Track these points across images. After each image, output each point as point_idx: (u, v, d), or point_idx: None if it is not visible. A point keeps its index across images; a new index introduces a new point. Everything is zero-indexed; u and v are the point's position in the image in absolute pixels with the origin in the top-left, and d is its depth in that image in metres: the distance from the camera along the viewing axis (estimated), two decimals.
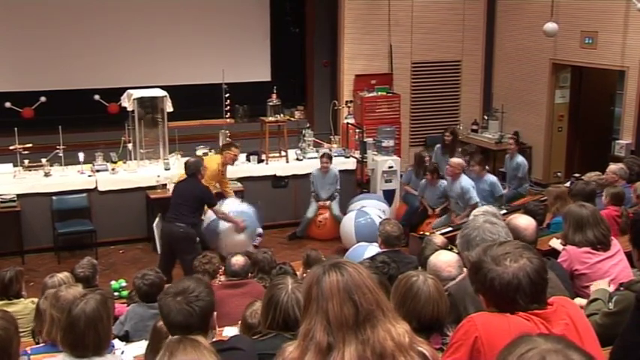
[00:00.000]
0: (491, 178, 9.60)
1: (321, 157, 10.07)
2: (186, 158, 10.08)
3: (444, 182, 9.75)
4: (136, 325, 5.04)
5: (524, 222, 4.32)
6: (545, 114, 11.84)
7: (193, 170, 8.13)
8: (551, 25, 10.56)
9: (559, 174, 11.79)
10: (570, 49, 11.22)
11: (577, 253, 4.76)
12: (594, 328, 2.78)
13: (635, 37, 10.14)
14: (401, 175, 10.71)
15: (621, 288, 3.84)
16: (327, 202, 10.01)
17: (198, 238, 8.15)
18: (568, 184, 8.15)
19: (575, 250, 4.78)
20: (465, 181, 9.13)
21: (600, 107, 11.68)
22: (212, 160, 9.18)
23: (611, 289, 4.07)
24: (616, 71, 10.80)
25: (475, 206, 8.79)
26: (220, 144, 10.36)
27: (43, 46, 10.82)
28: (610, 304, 3.81)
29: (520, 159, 10.33)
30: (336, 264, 2.37)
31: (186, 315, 2.84)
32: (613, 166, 7.76)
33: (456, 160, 9.31)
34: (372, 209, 9.55)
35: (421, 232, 8.23)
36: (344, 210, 9.96)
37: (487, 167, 9.96)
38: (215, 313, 2.99)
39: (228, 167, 9.41)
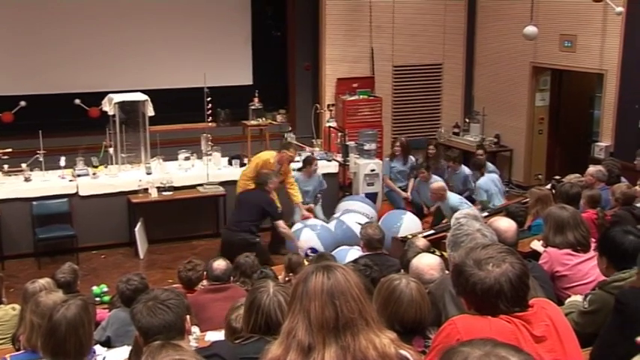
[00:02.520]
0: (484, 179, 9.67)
1: (311, 161, 9.95)
2: (168, 162, 10.13)
3: (437, 178, 9.81)
4: (118, 331, 5.00)
5: (505, 224, 4.36)
6: (525, 117, 11.92)
7: (262, 181, 8.42)
8: (531, 29, 10.64)
9: (540, 176, 11.87)
10: (550, 52, 11.31)
11: (557, 254, 4.80)
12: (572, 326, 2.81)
13: (614, 41, 10.24)
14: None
15: (596, 288, 3.88)
16: (311, 206, 9.99)
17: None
18: (549, 186, 8.21)
19: (556, 251, 4.82)
20: (453, 200, 8.99)
21: (580, 110, 11.79)
22: (266, 154, 9.19)
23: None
24: (595, 74, 10.90)
25: None
26: (202, 148, 10.35)
27: (23, 51, 10.74)
28: (585, 302, 3.85)
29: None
30: (327, 266, 2.38)
31: (162, 314, 2.83)
32: (592, 169, 7.82)
33: (436, 185, 9.17)
34: (351, 216, 9.35)
35: (403, 235, 8.23)
36: (328, 213, 9.96)
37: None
38: (188, 316, 2.98)
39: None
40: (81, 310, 3.21)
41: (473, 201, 9.46)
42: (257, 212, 8.20)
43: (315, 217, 9.93)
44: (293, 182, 9.37)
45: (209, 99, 10.05)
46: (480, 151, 10.82)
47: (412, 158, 10.64)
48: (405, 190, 10.46)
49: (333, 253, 7.84)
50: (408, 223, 9.10)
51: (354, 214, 9.41)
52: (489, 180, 9.62)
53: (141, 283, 5.29)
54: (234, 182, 10.08)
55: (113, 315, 5.20)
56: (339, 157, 10.98)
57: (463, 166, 10.25)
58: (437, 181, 9.45)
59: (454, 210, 8.91)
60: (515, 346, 1.79)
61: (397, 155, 10.51)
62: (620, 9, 9.69)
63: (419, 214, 9.92)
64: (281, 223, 8.43)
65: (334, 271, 2.35)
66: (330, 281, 2.31)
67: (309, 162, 9.91)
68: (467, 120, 12.81)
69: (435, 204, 9.63)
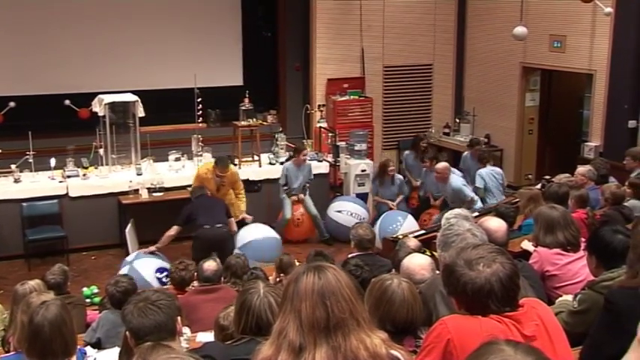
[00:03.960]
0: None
1: (301, 150, 10.01)
2: (158, 163, 10.11)
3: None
4: (109, 332, 4.99)
5: (495, 224, 4.37)
6: (515, 117, 11.95)
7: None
8: (520, 29, 10.67)
9: (530, 176, 11.91)
10: (540, 52, 11.35)
11: (548, 254, 4.81)
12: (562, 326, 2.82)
13: (603, 41, 10.29)
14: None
15: (585, 288, 3.90)
16: (300, 196, 9.99)
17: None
18: (539, 186, 8.24)
19: (546, 251, 4.83)
20: (455, 181, 9.15)
21: (569, 110, 11.83)
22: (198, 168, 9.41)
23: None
24: (584, 74, 10.95)
25: (471, 202, 8.91)
26: (193, 148, 10.33)
27: (13, 52, 10.69)
28: (574, 302, 3.87)
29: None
30: (318, 267, 2.39)
31: (154, 315, 2.83)
32: (581, 169, 7.86)
33: (441, 165, 9.29)
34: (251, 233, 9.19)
35: (394, 236, 8.26)
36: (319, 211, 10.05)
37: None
38: (179, 317, 2.98)
39: None
40: (60, 309, 3.20)
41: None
42: (225, 211, 8.54)
43: (305, 208, 9.95)
44: (243, 194, 9.39)
45: (199, 100, 10.04)
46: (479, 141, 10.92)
47: (399, 177, 10.50)
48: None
49: None
50: (408, 226, 9.27)
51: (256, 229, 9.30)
52: (490, 172, 9.72)
53: (130, 284, 5.28)
54: None
55: (103, 317, 5.19)
56: (330, 158, 10.99)
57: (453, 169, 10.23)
58: (442, 162, 9.53)
59: (455, 191, 9.03)
60: None
61: (387, 177, 10.27)
62: (609, 9, 9.73)
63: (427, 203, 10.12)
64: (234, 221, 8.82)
65: (325, 272, 2.35)
66: (321, 281, 2.32)
67: (298, 151, 9.96)
68: (457, 120, 12.84)
69: (440, 195, 9.76)
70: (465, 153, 10.81)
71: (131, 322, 2.85)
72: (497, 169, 10.02)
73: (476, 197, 9.19)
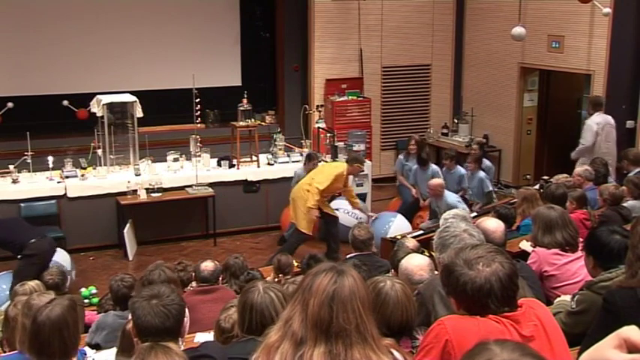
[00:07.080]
0: (480, 174, 9.75)
1: (312, 159, 10.00)
2: (157, 164, 10.10)
3: (434, 167, 9.93)
4: (108, 337, 4.90)
5: (493, 225, 4.38)
6: (514, 117, 11.97)
7: None
8: (519, 29, 10.67)
9: (528, 176, 11.92)
10: (538, 53, 11.36)
11: (546, 254, 4.82)
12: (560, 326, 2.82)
13: (601, 41, 10.30)
14: (373, 180, 10.75)
15: (583, 288, 3.90)
16: None
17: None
18: (537, 186, 8.25)
19: (545, 251, 4.84)
20: (450, 198, 9.05)
21: (568, 110, 11.84)
22: (334, 167, 9.28)
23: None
24: (582, 75, 10.96)
25: None
26: (191, 149, 10.32)
27: (11, 52, 10.69)
28: (572, 302, 3.87)
29: (482, 173, 9.91)
30: (340, 270, 2.35)
31: (163, 318, 2.84)
32: (579, 169, 7.88)
33: (435, 182, 9.19)
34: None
35: (392, 236, 8.26)
36: None
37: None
38: (187, 319, 2.98)
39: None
40: (65, 310, 3.18)
41: (467, 201, 9.51)
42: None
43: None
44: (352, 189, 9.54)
45: (198, 100, 10.04)
46: (475, 145, 10.85)
47: None
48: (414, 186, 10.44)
49: None
50: (398, 226, 9.22)
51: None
52: (486, 174, 9.77)
53: (127, 285, 5.24)
54: (223, 183, 10.10)
55: (102, 321, 5.12)
56: (329, 158, 10.98)
57: (458, 166, 10.23)
58: (436, 178, 9.48)
59: (450, 208, 8.98)
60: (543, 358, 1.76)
61: (412, 154, 10.39)
62: (607, 10, 9.74)
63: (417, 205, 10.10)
64: None
65: (344, 278, 2.31)
66: (334, 285, 2.29)
67: (309, 158, 9.98)
68: (456, 120, 12.85)
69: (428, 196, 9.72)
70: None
71: (140, 319, 2.86)
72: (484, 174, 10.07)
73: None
